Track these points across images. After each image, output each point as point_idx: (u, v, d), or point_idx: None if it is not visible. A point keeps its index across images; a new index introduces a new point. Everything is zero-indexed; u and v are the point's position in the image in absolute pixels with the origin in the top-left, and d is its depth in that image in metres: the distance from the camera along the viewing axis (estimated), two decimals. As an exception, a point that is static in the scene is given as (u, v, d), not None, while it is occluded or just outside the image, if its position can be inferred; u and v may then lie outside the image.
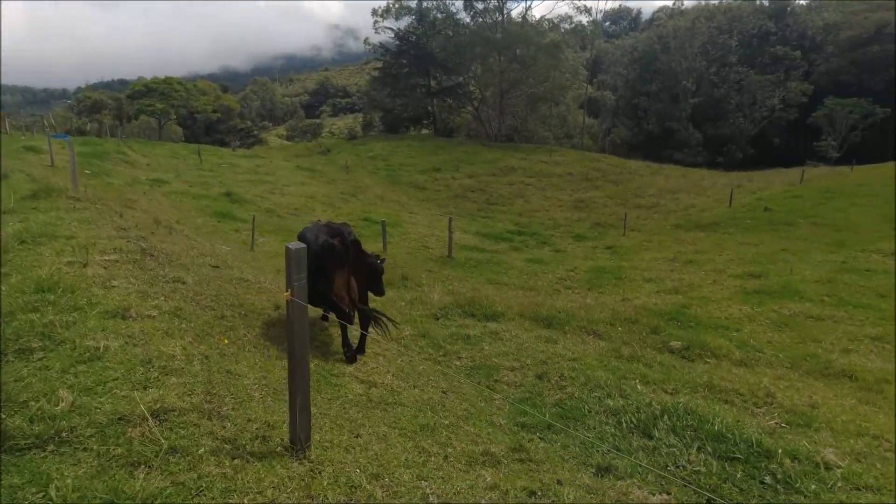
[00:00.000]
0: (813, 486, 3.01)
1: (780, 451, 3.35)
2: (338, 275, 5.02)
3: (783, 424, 4.51)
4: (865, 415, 5.02)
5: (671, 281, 12.69)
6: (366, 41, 58.36)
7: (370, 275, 5.76)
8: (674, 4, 71.31)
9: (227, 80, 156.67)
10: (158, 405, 2.75)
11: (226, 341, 4.27)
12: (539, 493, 2.69)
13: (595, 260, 16.24)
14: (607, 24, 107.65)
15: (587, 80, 59.02)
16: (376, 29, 54.46)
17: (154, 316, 4.18)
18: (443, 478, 2.76)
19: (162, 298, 4.83)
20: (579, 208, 27.98)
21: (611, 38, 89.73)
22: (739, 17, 49.94)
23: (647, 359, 6.29)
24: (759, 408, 4.89)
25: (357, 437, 3.22)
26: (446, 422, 3.78)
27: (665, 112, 47.35)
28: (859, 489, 3.01)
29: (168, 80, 57.54)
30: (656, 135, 47.52)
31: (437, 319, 7.80)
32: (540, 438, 3.80)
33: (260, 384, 3.76)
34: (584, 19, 52.32)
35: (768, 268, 12.70)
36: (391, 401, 4.10)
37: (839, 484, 3.04)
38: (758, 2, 52.65)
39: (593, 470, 3.20)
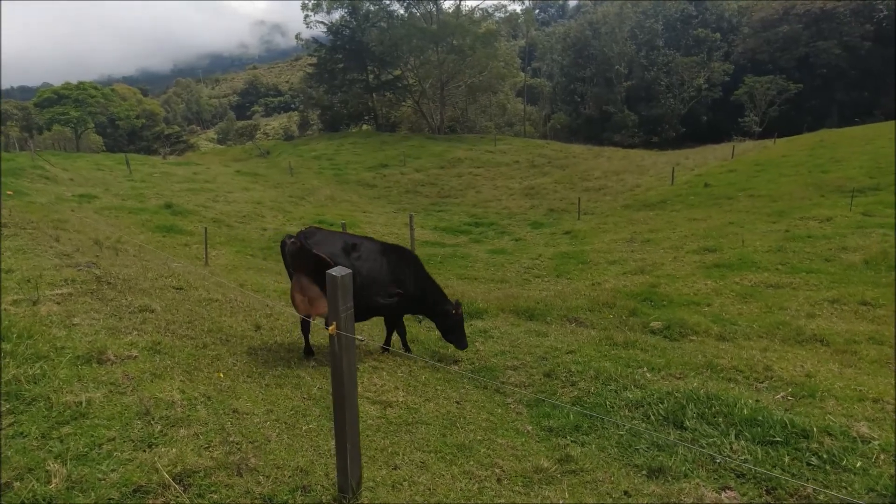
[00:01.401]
0: (858, 463, 3.05)
1: (814, 429, 3.38)
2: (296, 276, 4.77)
3: (789, 397, 4.63)
4: (854, 378, 5.25)
5: (634, 261, 13.02)
6: (297, 37, 56.42)
7: (443, 321, 5.72)
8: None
9: (147, 83, 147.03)
10: (178, 467, 2.37)
11: (221, 375, 3.85)
12: (615, 511, 2.55)
13: (556, 246, 16.44)
14: (536, 11, 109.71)
15: (521, 69, 59.86)
16: (307, 24, 52.71)
17: (135, 356, 3.69)
18: (508, 506, 2.56)
19: (135, 333, 4.32)
20: (530, 195, 28.34)
21: (541, 25, 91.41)
22: (663, 2, 52.17)
23: (641, 343, 6.34)
24: (761, 383, 5.00)
25: (395, 468, 2.95)
26: (478, 437, 3.56)
27: (601, 96, 48.90)
28: (901, 460, 3.08)
29: (81, 86, 53.21)
30: (595, 118, 49.03)
31: (420, 322, 7.54)
32: (573, 442, 3.67)
33: (270, 420, 3.40)
34: (518, 7, 52.88)
35: (721, 241, 13.29)
36: (411, 420, 3.83)
37: (881, 457, 3.10)
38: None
39: (645, 472, 3.10)
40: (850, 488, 2.84)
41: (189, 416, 2.92)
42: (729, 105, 47.04)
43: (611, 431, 3.75)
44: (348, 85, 52.48)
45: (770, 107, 44.44)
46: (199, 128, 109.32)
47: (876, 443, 3.24)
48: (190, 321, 5.32)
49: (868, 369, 5.89)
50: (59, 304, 4.68)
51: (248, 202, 22.05)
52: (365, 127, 56.50)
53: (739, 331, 7.59)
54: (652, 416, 3.90)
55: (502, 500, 2.63)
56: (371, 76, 52.71)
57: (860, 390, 4.69)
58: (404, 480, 2.76)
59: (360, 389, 4.35)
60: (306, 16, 51.92)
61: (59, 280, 5.32)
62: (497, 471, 3.01)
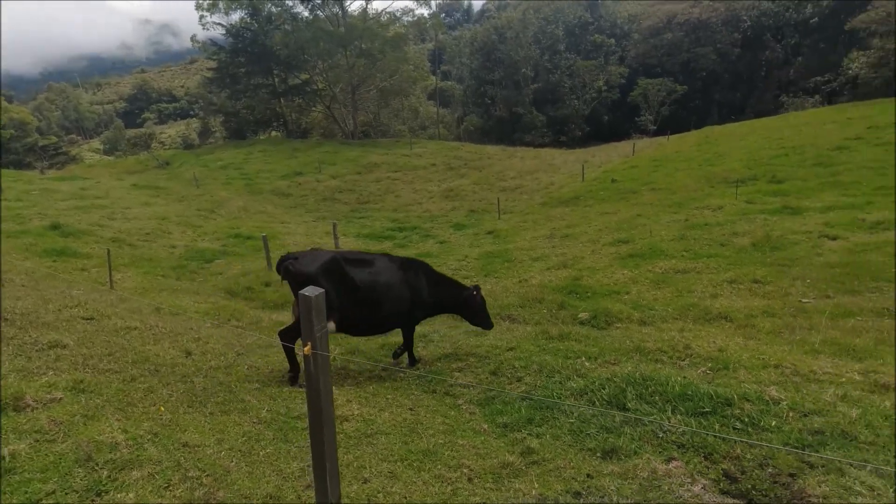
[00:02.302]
0: (773, 422, 3.49)
1: (735, 397, 3.81)
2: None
3: (707, 371, 5.15)
4: (756, 348, 5.95)
5: (556, 257, 13.70)
6: (193, 38, 52.97)
7: (465, 308, 5.97)
8: (501, -2, 76.28)
9: (11, 88, 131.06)
10: (141, 513, 2.19)
11: (161, 409, 3.58)
12: (584, 493, 2.71)
13: (481, 246, 16.86)
14: (442, 15, 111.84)
15: (432, 72, 60.66)
16: (203, 25, 49.57)
17: (59, 398, 3.34)
18: (484, 502, 2.64)
19: (51, 373, 3.89)
20: (450, 198, 28.77)
21: (448, 29, 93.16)
22: (562, 9, 55.32)
23: (574, 335, 6.71)
24: (683, 360, 5.51)
25: (366, 482, 2.93)
26: (440, 441, 3.62)
27: (510, 98, 50.83)
28: (806, 415, 3.57)
29: (-68, 94, 46.16)
30: (505, 120, 50.87)
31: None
32: (529, 435, 3.83)
33: (224, 450, 3.23)
34: (426, 12, 53.31)
35: (632, 233, 14.35)
36: (370, 432, 3.81)
37: (790, 414, 3.57)
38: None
39: (599, 454, 3.32)
40: (769, 445, 3.25)
41: (138, 456, 2.71)
42: (626, 106, 50.89)
43: (561, 420, 3.97)
44: (253, 90, 50.11)
45: (661, 107, 48.70)
46: (80, 137, 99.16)
47: (784, 403, 3.72)
48: (110, 353, 4.88)
49: (766, 339, 6.69)
50: (-51, 347, 4.10)
51: (150, 218, 20.36)
52: (274, 133, 54.31)
53: (657, 315, 8.27)
54: (597, 402, 4.17)
55: (477, 499, 2.71)
56: (277, 80, 50.74)
57: (763, 359, 5.33)
58: (378, 492, 2.76)
59: (312, 407, 4.25)
60: (202, 16, 48.87)
61: (-55, 320, 4.65)
62: (466, 471, 3.08)
